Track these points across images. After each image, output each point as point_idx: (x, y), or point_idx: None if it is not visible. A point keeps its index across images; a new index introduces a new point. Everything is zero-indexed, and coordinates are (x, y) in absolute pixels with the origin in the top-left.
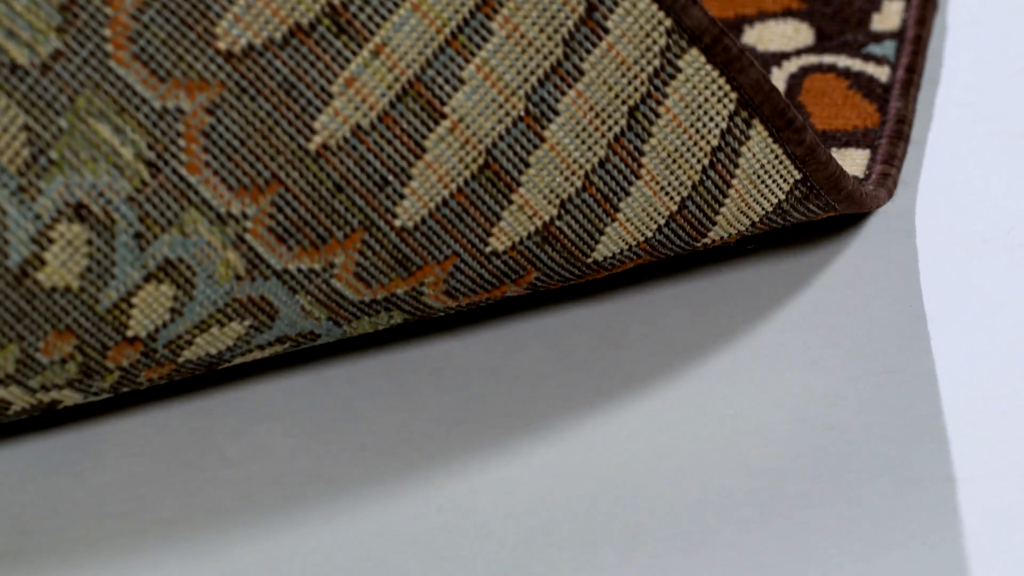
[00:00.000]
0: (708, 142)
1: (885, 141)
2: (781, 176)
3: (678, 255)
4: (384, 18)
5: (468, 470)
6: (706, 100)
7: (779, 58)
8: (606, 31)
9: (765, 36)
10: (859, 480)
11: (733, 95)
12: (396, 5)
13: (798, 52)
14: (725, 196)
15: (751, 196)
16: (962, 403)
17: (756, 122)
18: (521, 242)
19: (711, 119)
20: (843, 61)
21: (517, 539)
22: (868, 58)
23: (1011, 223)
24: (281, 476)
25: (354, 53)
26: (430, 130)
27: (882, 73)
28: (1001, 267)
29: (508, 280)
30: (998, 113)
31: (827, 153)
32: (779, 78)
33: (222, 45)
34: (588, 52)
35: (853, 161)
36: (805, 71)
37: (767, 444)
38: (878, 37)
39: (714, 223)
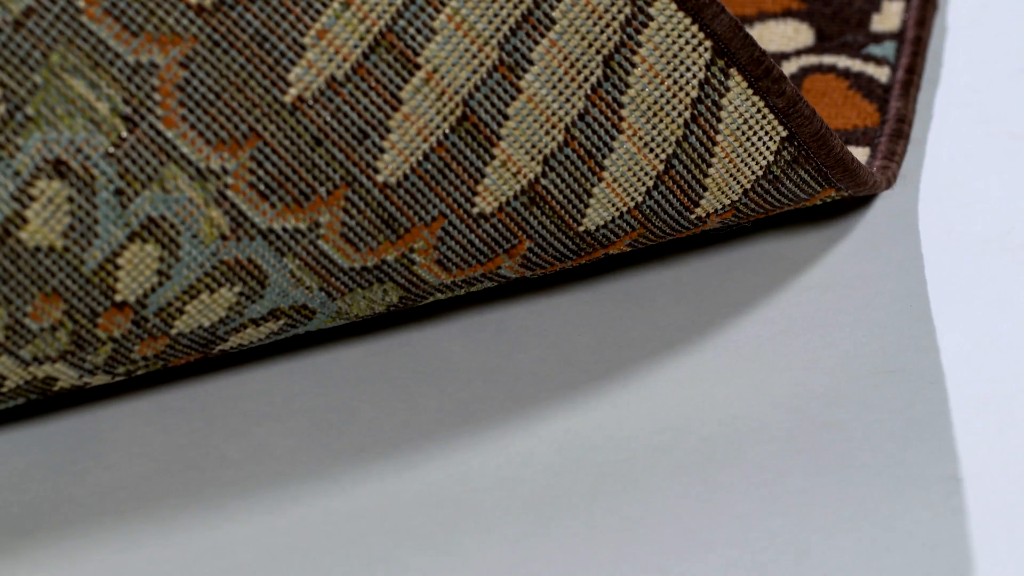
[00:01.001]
0: (687, 93)
1: (885, 139)
2: (766, 132)
3: (677, 238)
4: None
5: (468, 469)
6: (681, 49)
7: (779, 58)
8: None
9: (765, 36)
10: (859, 479)
11: (708, 43)
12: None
13: (798, 53)
14: (711, 155)
15: (738, 156)
16: (962, 402)
17: (734, 71)
18: (508, 203)
19: (688, 69)
20: (843, 62)
21: (517, 536)
22: (868, 59)
23: (1011, 223)
24: (281, 476)
25: (325, 5)
26: (405, 81)
27: (882, 74)
28: (1001, 267)
29: (500, 250)
30: (998, 113)
31: (810, 108)
32: None
33: None
34: (558, 0)
35: None
36: (805, 71)
37: (767, 443)
38: (878, 38)
39: (704, 187)
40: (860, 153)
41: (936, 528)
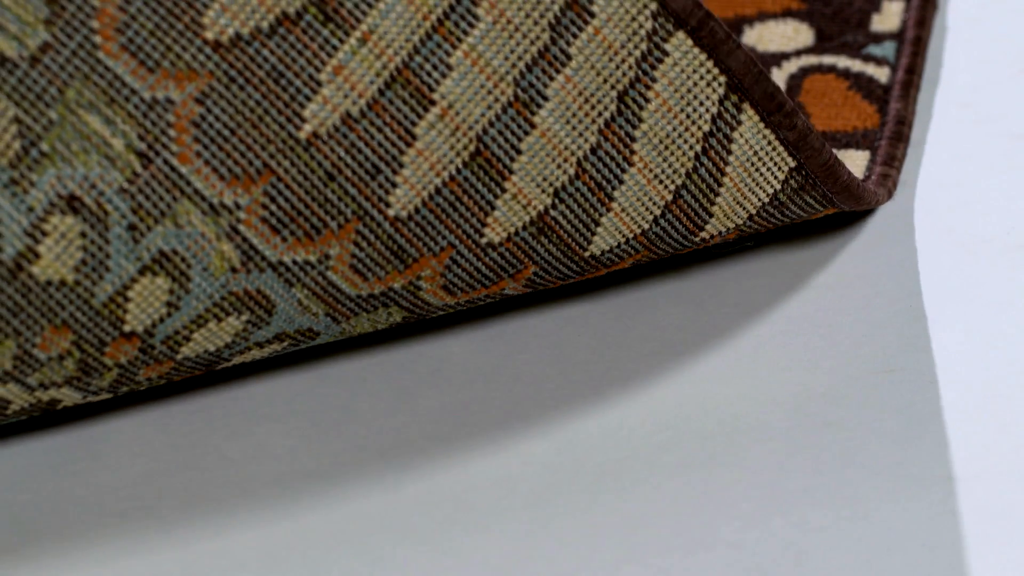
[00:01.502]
0: (699, 127)
1: (885, 143)
2: (775, 163)
3: (678, 253)
4: (370, 5)
5: (468, 468)
6: (695, 84)
7: (779, 58)
8: (592, 15)
9: (765, 36)
10: (858, 478)
11: (722, 79)
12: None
13: (798, 53)
14: (720, 185)
15: (746, 185)
16: (962, 403)
17: (746, 106)
18: (517, 233)
19: (701, 103)
20: (843, 62)
21: (517, 536)
22: (868, 59)
23: (1011, 223)
24: (281, 476)
25: (341, 41)
26: (420, 117)
27: (882, 74)
28: (1001, 267)
29: (506, 275)
30: (998, 113)
31: (820, 140)
32: (779, 78)
33: (210, 35)
34: (575, 36)
35: (853, 163)
36: (805, 72)
37: (767, 442)
38: (878, 38)
39: (711, 215)
40: (860, 157)
41: (935, 528)
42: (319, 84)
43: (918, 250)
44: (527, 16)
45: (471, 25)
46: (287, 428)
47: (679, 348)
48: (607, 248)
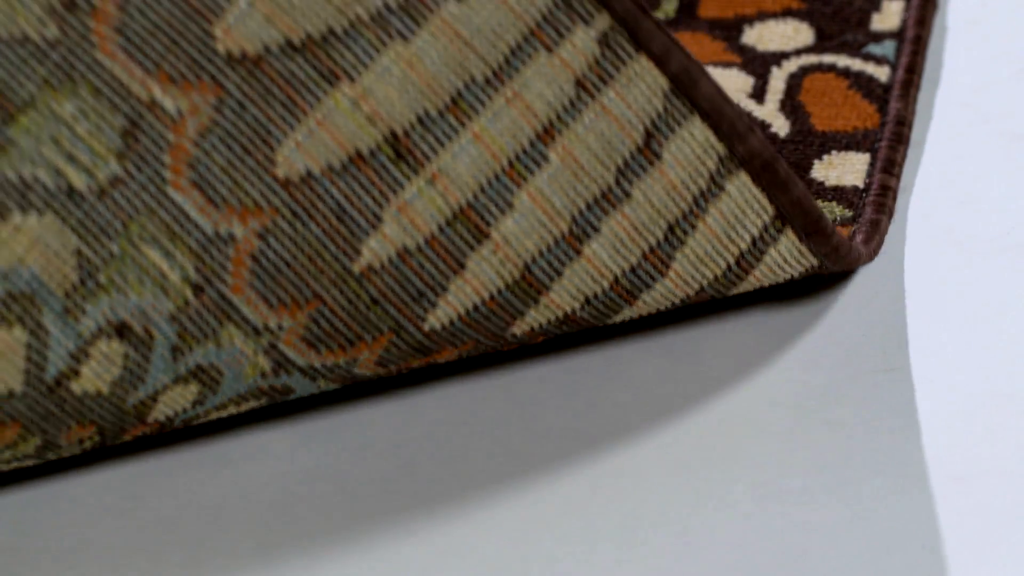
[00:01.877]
0: (738, 246)
1: (885, 145)
2: (801, 265)
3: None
4: (444, 146)
5: (468, 469)
6: (744, 214)
7: (779, 58)
8: (660, 158)
9: (765, 36)
10: (858, 478)
11: (771, 209)
12: (457, 134)
13: (798, 52)
14: (742, 281)
15: (766, 278)
16: (962, 402)
17: (788, 229)
18: (541, 327)
19: (745, 229)
20: (843, 61)
21: (517, 536)
22: (868, 58)
23: (1011, 223)
24: (281, 476)
25: (410, 180)
26: (473, 250)
27: (882, 73)
28: (1001, 267)
29: (517, 345)
30: (998, 113)
31: (848, 245)
32: (779, 78)
33: (280, 172)
34: (639, 177)
35: (853, 167)
36: (805, 71)
37: (767, 441)
38: (878, 37)
39: (721, 296)
40: (860, 161)
41: (935, 528)
42: (381, 221)
43: (918, 249)
44: (596, 159)
45: (539, 167)
46: (287, 428)
47: (679, 349)
48: (616, 321)
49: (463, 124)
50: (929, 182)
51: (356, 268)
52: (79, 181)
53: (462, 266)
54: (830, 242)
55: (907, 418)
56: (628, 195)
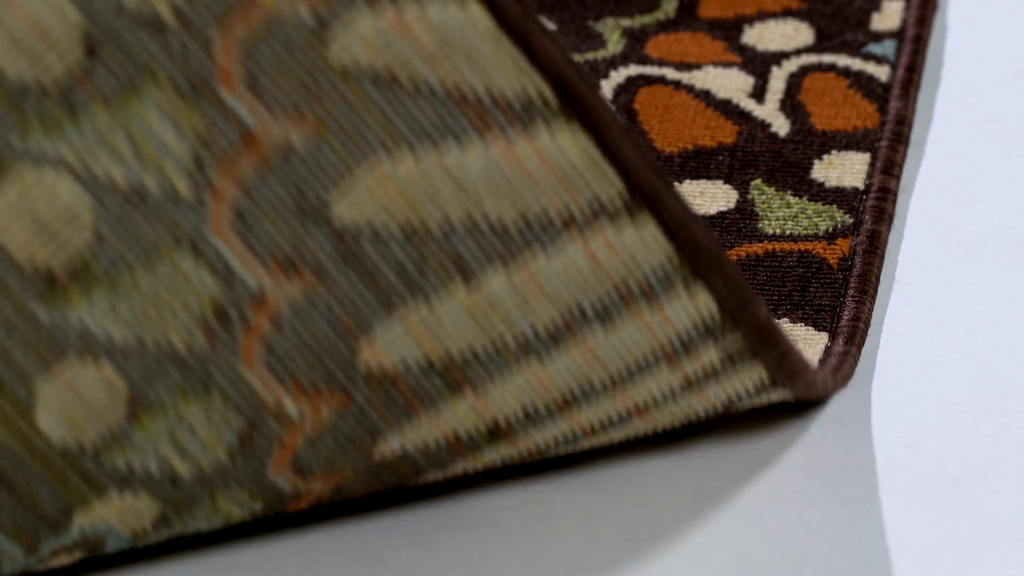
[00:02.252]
0: (718, 396)
1: (885, 144)
2: (769, 397)
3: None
4: (539, 430)
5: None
6: (738, 379)
7: (779, 57)
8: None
9: (765, 36)
10: (858, 478)
11: (764, 373)
12: (552, 419)
13: (798, 52)
14: (706, 416)
15: (724, 408)
16: (962, 402)
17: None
18: (481, 449)
19: (733, 387)
20: (843, 60)
21: (517, 536)
22: (868, 57)
23: (1011, 223)
24: None
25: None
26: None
27: (882, 73)
28: (1001, 267)
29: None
30: (998, 113)
31: (803, 360)
32: (779, 77)
33: (376, 457)
34: (652, 378)
35: (853, 167)
36: (805, 70)
37: (767, 441)
38: (878, 37)
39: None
40: (860, 160)
41: (935, 528)
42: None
43: (918, 249)
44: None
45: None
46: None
47: None
48: (554, 445)
49: (567, 417)
50: (929, 182)
51: (376, 456)
52: (183, 468)
53: (459, 440)
54: (813, 392)
55: (907, 419)
56: (631, 375)
